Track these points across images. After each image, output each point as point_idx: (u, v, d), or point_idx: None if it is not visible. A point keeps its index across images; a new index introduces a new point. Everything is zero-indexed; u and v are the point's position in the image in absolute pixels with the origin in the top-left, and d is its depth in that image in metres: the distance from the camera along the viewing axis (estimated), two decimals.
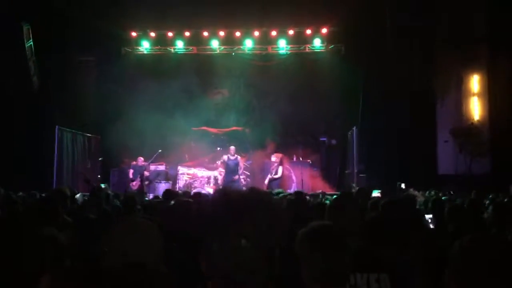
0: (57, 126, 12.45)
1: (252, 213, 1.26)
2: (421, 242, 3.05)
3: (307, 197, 6.87)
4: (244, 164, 14.75)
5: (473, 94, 13.98)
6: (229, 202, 1.30)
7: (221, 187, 10.20)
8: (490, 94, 13.73)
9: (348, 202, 2.85)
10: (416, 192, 9.16)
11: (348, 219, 2.55)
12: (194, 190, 13.46)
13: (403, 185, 11.27)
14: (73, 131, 13.41)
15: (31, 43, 13.18)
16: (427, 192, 9.15)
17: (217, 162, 14.34)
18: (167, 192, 6.59)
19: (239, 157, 13.73)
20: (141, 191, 12.35)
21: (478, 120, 13.87)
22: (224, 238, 1.25)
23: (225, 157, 13.80)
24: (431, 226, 4.77)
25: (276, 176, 13.60)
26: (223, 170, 14.08)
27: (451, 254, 1.56)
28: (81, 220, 4.64)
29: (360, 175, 13.09)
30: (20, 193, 7.33)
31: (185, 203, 3.85)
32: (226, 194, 1.34)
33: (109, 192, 7.94)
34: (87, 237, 3.47)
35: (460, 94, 14.04)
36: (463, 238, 1.58)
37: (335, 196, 6.18)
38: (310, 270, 1.86)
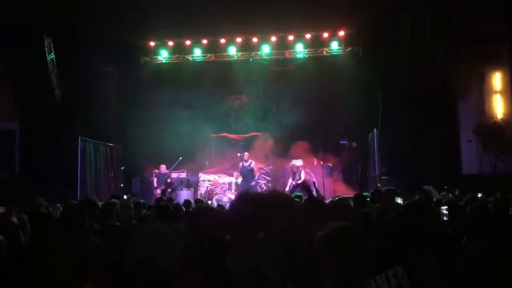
0: (79, 137, 12.65)
1: (272, 212, 1.28)
2: (438, 242, 3.01)
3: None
4: (264, 169, 14.76)
5: (496, 92, 13.72)
6: (250, 203, 1.31)
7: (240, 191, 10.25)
8: None
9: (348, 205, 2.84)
10: (430, 188, 8.96)
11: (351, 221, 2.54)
12: (216, 197, 13.57)
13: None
14: (95, 141, 13.62)
15: (53, 56, 13.44)
16: (450, 193, 8.99)
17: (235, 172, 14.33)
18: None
19: (253, 162, 13.70)
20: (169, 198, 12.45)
21: (501, 118, 13.61)
22: (246, 236, 1.27)
23: (240, 164, 13.84)
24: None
25: (299, 182, 13.52)
26: (240, 177, 14.13)
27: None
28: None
29: (382, 177, 12.96)
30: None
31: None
32: (246, 196, 1.36)
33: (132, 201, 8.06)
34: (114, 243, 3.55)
35: (482, 92, 13.79)
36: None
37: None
38: (329, 270, 1.86)
